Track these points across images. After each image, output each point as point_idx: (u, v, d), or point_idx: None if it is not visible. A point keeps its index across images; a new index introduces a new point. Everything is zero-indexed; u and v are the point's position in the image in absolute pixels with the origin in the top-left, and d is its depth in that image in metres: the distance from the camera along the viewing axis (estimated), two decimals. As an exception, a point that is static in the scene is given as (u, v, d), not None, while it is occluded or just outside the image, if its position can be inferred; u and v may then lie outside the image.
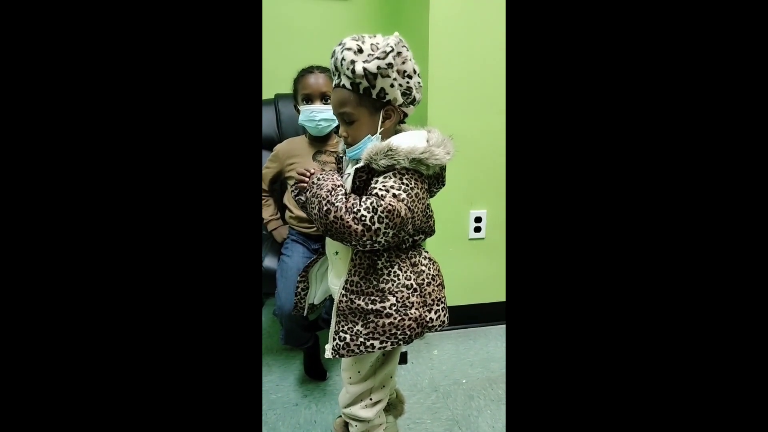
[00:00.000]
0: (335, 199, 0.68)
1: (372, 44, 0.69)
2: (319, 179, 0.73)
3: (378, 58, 0.67)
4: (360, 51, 0.68)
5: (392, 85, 0.69)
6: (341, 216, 0.66)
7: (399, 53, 0.68)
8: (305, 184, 0.76)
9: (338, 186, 0.71)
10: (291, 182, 1.25)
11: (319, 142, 1.25)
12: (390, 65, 0.67)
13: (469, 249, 1.55)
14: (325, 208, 0.68)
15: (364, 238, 0.66)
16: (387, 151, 0.67)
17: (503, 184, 1.49)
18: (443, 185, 0.79)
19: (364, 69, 0.67)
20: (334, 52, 0.70)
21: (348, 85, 0.70)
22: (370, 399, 0.83)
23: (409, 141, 0.70)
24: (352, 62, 0.67)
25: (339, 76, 0.71)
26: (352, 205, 0.66)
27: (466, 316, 1.58)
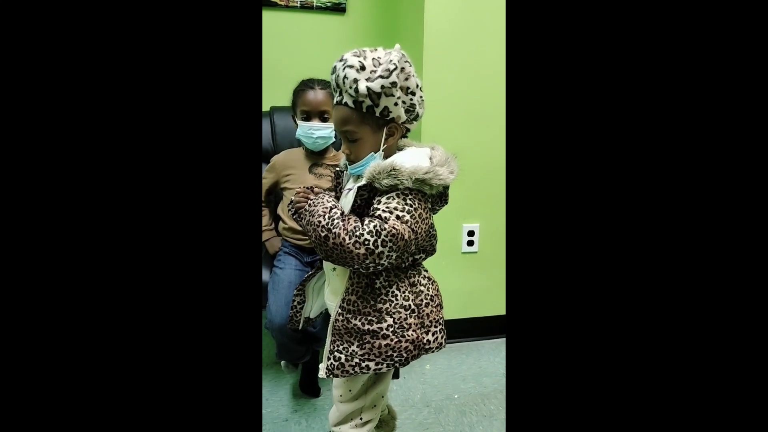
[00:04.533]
0: (331, 225, 0.66)
1: (374, 59, 0.68)
2: (310, 205, 0.72)
3: (381, 76, 0.66)
4: (362, 68, 0.67)
5: (396, 104, 0.69)
6: (341, 242, 0.65)
7: (402, 69, 0.67)
8: (301, 205, 0.74)
9: (330, 208, 0.69)
10: (287, 193, 1.25)
11: (316, 155, 1.25)
12: (394, 84, 0.66)
13: (462, 263, 1.55)
14: (322, 234, 0.66)
15: (367, 261, 0.65)
16: (390, 170, 0.66)
17: (496, 198, 1.50)
18: (446, 203, 0.77)
19: (368, 88, 0.66)
20: (335, 68, 0.69)
21: (350, 104, 0.69)
22: (360, 419, 0.82)
23: (413, 160, 0.70)
24: (355, 81, 0.66)
25: (341, 94, 0.70)
26: (354, 228, 0.65)
27: (459, 331, 1.58)
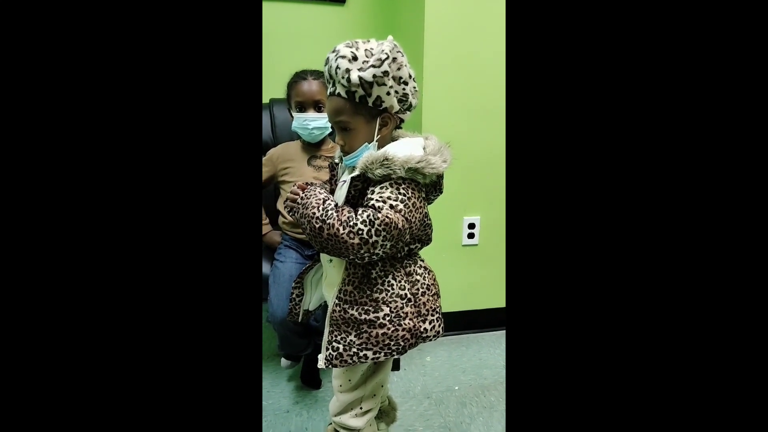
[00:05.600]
0: (326, 216, 0.67)
1: (366, 50, 0.68)
2: (303, 198, 0.72)
3: (373, 66, 0.66)
4: (354, 58, 0.67)
5: (388, 93, 0.69)
6: (335, 232, 0.65)
7: (394, 59, 0.67)
8: (295, 205, 0.74)
9: (323, 200, 0.69)
10: (285, 187, 1.25)
11: (313, 147, 1.25)
12: (386, 73, 0.66)
13: (463, 255, 1.55)
14: (317, 226, 0.67)
15: (362, 251, 0.65)
16: (383, 160, 0.66)
17: (497, 191, 1.50)
18: (441, 192, 0.78)
19: (360, 78, 0.66)
20: (328, 59, 0.69)
21: (343, 94, 0.69)
22: (360, 408, 0.83)
23: (406, 149, 0.70)
24: (347, 71, 0.66)
25: (334, 84, 0.70)
26: (348, 218, 0.65)
27: (459, 323, 1.58)
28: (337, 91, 0.70)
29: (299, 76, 1.20)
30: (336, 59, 0.67)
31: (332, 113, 0.72)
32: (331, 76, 0.70)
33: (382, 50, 0.66)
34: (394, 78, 0.69)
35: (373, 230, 0.64)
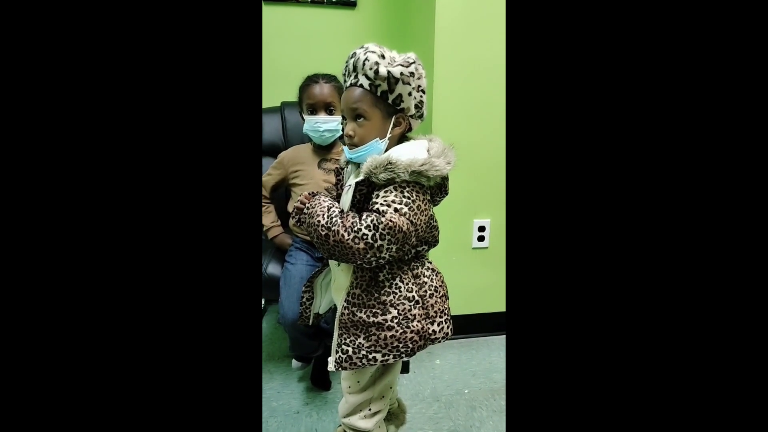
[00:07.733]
0: (331, 223, 0.68)
1: (391, 56, 0.72)
2: (308, 208, 0.73)
3: (401, 65, 0.69)
4: (383, 56, 0.70)
5: (410, 94, 0.71)
6: (340, 239, 0.66)
7: (417, 68, 0.71)
8: (302, 215, 0.75)
9: (328, 208, 0.70)
10: (296, 189, 1.26)
11: (324, 150, 1.26)
12: (412, 74, 0.69)
13: (473, 258, 1.54)
14: (323, 233, 0.68)
15: (368, 255, 0.66)
16: (386, 164, 0.67)
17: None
18: (446, 194, 0.78)
19: (388, 72, 0.68)
20: (355, 53, 0.71)
21: (366, 86, 0.70)
22: (369, 409, 0.83)
23: (409, 153, 0.70)
24: (377, 63, 0.68)
25: (356, 76, 0.71)
26: (352, 224, 0.66)
27: (469, 326, 1.58)
28: (359, 83, 0.71)
29: (311, 80, 1.21)
30: (366, 53, 0.69)
31: (350, 100, 0.73)
32: (355, 68, 0.71)
33: (409, 55, 0.70)
34: (416, 83, 0.71)
35: (377, 234, 0.65)
